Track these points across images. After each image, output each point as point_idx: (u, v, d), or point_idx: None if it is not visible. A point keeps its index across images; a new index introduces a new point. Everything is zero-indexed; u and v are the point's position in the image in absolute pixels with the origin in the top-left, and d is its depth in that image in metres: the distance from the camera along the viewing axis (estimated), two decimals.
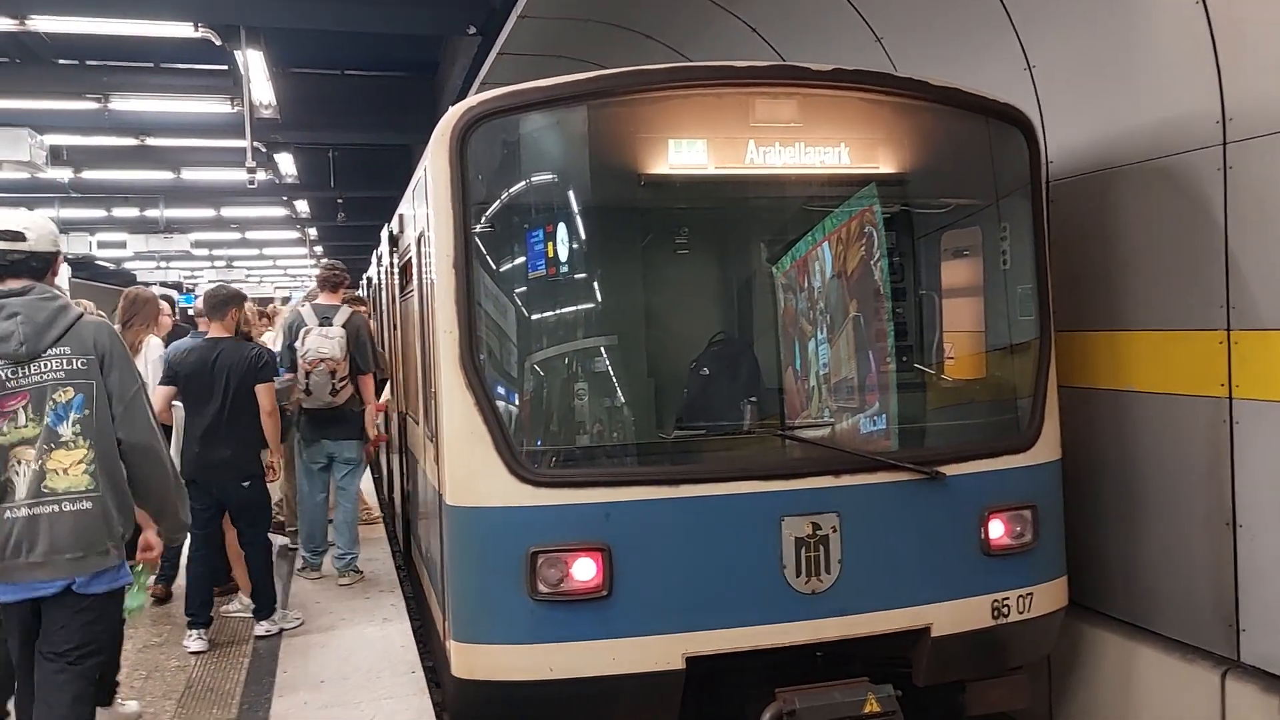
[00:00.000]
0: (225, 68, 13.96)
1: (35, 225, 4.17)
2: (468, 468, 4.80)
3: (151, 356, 7.25)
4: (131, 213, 25.78)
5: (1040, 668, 6.17)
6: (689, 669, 4.75)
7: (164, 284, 40.81)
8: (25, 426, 3.83)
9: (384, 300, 10.26)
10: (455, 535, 4.90)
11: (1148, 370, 5.67)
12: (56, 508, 3.82)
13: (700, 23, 9.24)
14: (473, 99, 4.95)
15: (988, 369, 5.81)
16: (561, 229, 5.08)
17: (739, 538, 4.80)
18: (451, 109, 4.93)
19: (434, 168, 4.88)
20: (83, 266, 34.30)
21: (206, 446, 6.51)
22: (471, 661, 4.80)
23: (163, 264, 38.06)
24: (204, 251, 35.96)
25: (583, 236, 5.23)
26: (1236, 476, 5.18)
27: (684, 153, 4.98)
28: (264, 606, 6.85)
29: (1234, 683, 5.12)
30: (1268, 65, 4.85)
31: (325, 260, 8.82)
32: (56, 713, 3.84)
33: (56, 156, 18.41)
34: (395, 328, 8.94)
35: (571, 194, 5.20)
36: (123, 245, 28.72)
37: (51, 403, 3.87)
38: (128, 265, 38.47)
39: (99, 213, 25.99)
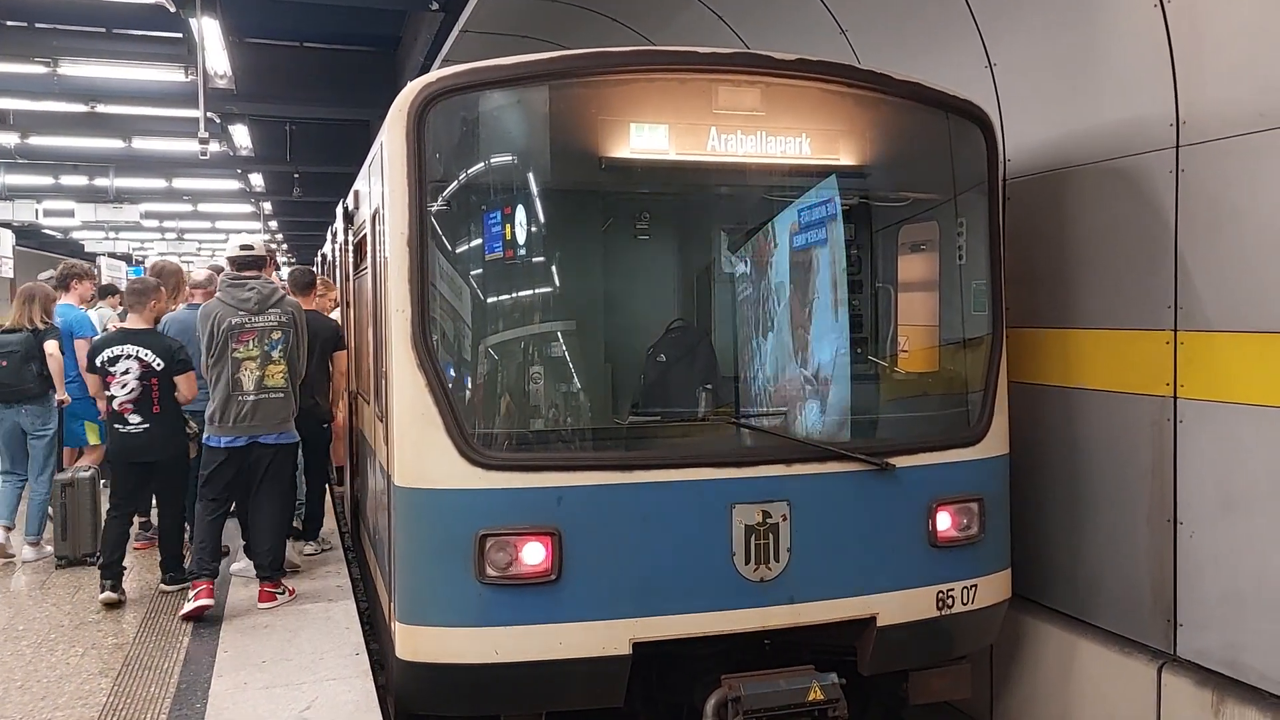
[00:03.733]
0: (179, 35, 13.66)
1: (256, 241, 7.20)
2: (417, 449, 4.75)
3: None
4: (80, 181, 25.24)
5: (983, 658, 6.26)
6: (636, 654, 4.76)
7: (112, 255, 40.05)
8: (251, 350, 6.62)
9: (338, 278, 10.12)
10: (403, 517, 4.85)
11: (1096, 368, 5.75)
12: (269, 396, 6.67)
13: (667, 8, 9.21)
14: (432, 75, 4.88)
15: (940, 363, 5.86)
16: (519, 210, 5.04)
17: (689, 524, 4.81)
18: (410, 84, 4.85)
19: (390, 143, 4.81)
20: (28, 235, 33.52)
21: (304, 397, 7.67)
22: (417, 644, 4.77)
23: (111, 234, 37.28)
24: (154, 223, 35.28)
25: (541, 218, 5.18)
26: (1179, 474, 5.28)
27: (645, 137, 4.96)
28: (314, 529, 8.41)
29: (1170, 676, 5.23)
30: (1222, 71, 4.93)
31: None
32: (268, 511, 6.86)
33: (2, 120, 17.97)
34: (348, 306, 8.83)
35: (530, 175, 5.15)
36: (70, 214, 28.07)
37: (268, 339, 6.67)
38: (75, 235, 37.65)
39: (46, 180, 25.41)
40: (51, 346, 8.10)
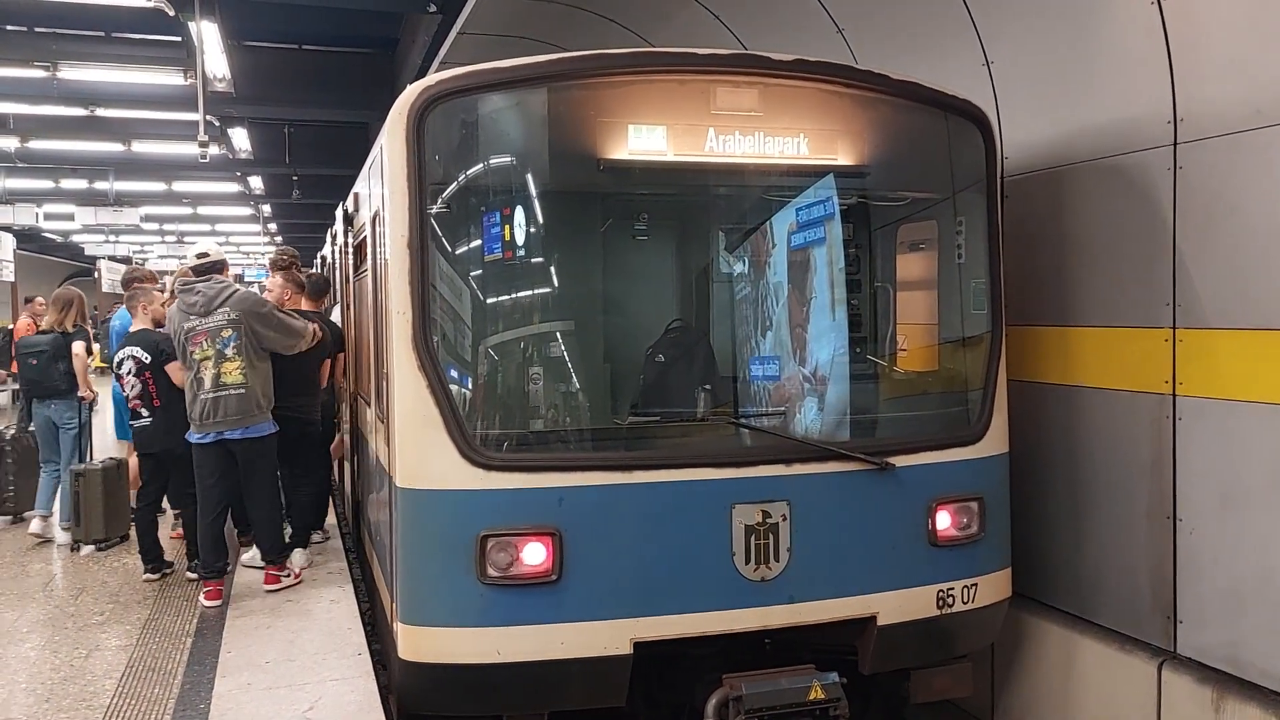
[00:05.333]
0: (179, 39, 13.65)
1: (212, 248, 7.37)
2: (419, 450, 4.77)
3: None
4: (80, 184, 25.18)
5: (984, 656, 6.26)
6: (637, 654, 4.77)
7: (112, 258, 40.02)
8: (206, 350, 6.76)
9: (338, 280, 10.14)
10: (405, 517, 4.86)
11: (1095, 366, 5.76)
12: (227, 393, 6.75)
13: (663, 8, 9.21)
14: (431, 78, 4.90)
15: (940, 362, 5.87)
16: (518, 212, 5.05)
17: (690, 524, 4.82)
18: (409, 87, 4.87)
19: (390, 146, 4.82)
20: (29, 239, 33.50)
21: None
22: (419, 644, 4.78)
23: (111, 238, 37.27)
24: (154, 226, 35.25)
25: (540, 220, 5.19)
26: (1178, 472, 5.29)
27: (644, 138, 4.97)
28: (318, 521, 8.63)
29: (1170, 674, 5.24)
30: (1220, 69, 4.94)
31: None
32: (257, 503, 7.13)
33: (2, 125, 17.94)
34: (349, 307, 8.85)
35: (529, 177, 5.16)
36: (70, 218, 28.04)
37: (219, 338, 6.75)
38: (75, 239, 37.64)
39: (46, 184, 25.35)
40: (78, 347, 8.85)
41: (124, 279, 9.91)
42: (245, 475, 7.01)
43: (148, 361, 7.33)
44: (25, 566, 8.09)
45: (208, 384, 6.74)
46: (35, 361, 8.78)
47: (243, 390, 6.77)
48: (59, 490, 8.97)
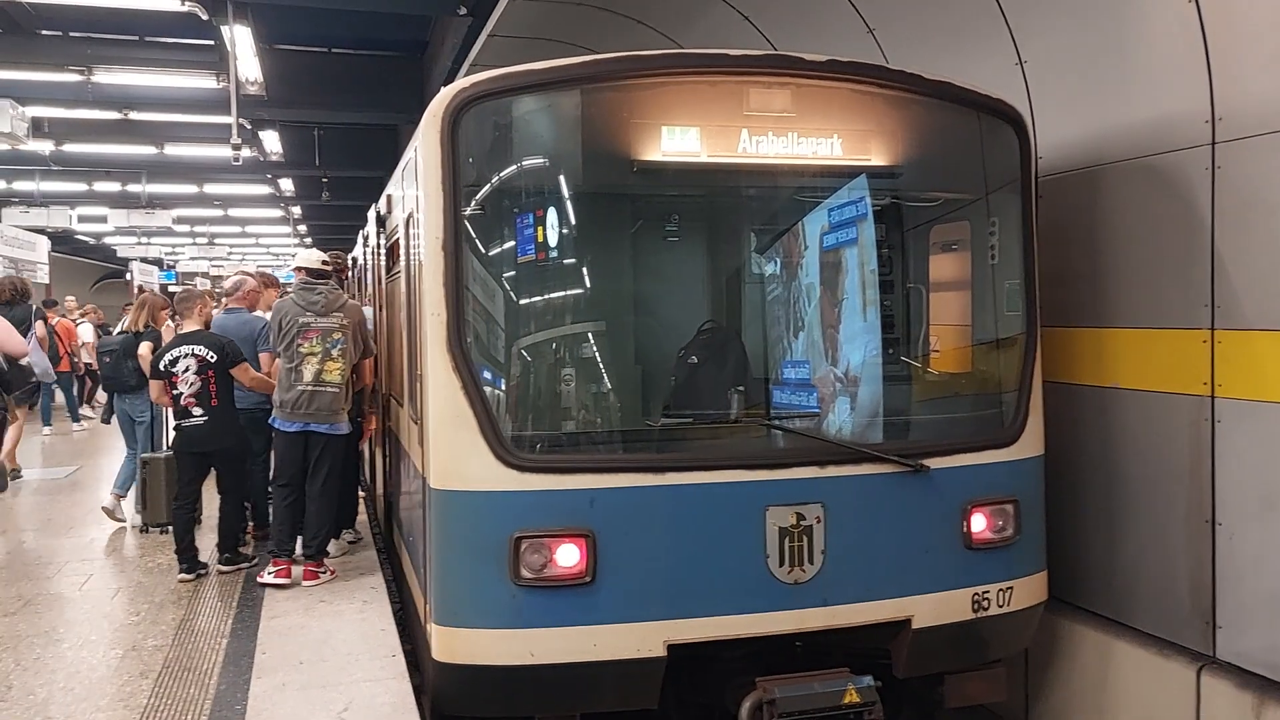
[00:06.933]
0: (211, 43, 13.80)
1: (328, 257, 8.07)
2: (453, 451, 4.78)
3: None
4: (113, 187, 25.52)
5: (1018, 661, 6.21)
6: (670, 656, 4.76)
7: (144, 260, 40.44)
8: (314, 346, 7.21)
9: (369, 281, 10.20)
10: (439, 518, 4.88)
11: (1132, 367, 5.70)
12: (325, 389, 7.23)
13: (692, 8, 9.20)
14: (466, 80, 4.91)
15: (974, 363, 5.82)
16: (552, 213, 5.05)
17: (723, 526, 4.80)
18: (444, 89, 4.89)
19: (425, 148, 4.84)
20: (63, 241, 33.95)
21: None
22: (452, 645, 4.80)
23: (144, 240, 37.70)
24: (185, 228, 35.65)
25: (573, 222, 5.20)
26: (1217, 474, 5.22)
27: (677, 140, 4.97)
28: (349, 519, 8.87)
29: (1210, 679, 5.17)
30: (1259, 66, 4.87)
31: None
32: (317, 498, 7.38)
33: (38, 128, 18.16)
34: (381, 309, 8.90)
35: (563, 179, 5.17)
36: (103, 220, 28.41)
37: (330, 338, 7.26)
38: (108, 240, 38.10)
39: (80, 186, 25.70)
40: (144, 349, 9.23)
41: (181, 296, 10.27)
42: (314, 468, 7.39)
43: (213, 361, 7.56)
44: (61, 568, 8.19)
45: (308, 377, 7.20)
46: (108, 359, 9.57)
47: (337, 390, 7.30)
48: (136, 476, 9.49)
